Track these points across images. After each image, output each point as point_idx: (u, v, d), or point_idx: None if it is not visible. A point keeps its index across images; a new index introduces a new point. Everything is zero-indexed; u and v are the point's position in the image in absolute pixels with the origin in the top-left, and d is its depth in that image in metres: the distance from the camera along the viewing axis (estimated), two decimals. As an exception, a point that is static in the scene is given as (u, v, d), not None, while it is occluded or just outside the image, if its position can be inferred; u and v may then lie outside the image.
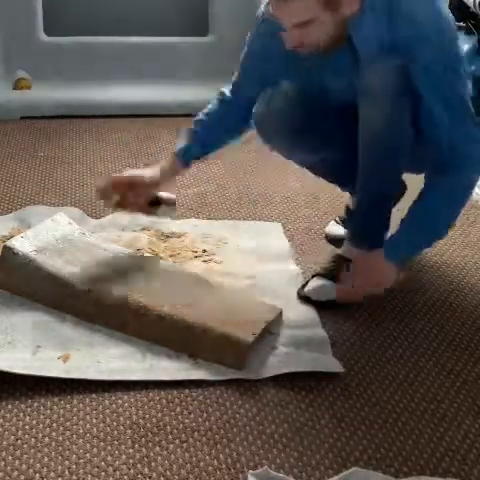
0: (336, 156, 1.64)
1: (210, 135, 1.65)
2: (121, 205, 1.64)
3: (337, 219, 1.87)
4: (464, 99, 1.44)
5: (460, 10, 2.30)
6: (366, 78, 1.43)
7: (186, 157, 1.65)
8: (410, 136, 1.48)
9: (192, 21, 3.14)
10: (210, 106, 1.67)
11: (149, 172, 1.63)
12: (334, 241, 1.81)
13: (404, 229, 1.49)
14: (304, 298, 1.58)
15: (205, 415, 1.23)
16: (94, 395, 1.27)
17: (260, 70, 1.60)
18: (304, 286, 1.60)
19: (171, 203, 1.68)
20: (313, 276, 1.61)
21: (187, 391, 1.29)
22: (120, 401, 1.26)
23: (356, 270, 1.54)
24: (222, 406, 1.25)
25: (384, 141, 1.49)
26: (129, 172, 1.67)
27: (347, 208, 1.80)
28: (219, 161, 2.29)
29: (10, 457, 1.13)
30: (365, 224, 1.59)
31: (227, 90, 1.66)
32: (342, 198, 2.09)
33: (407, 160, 1.53)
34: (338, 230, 1.83)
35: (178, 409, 1.24)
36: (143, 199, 1.63)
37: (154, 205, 1.65)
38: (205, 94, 2.91)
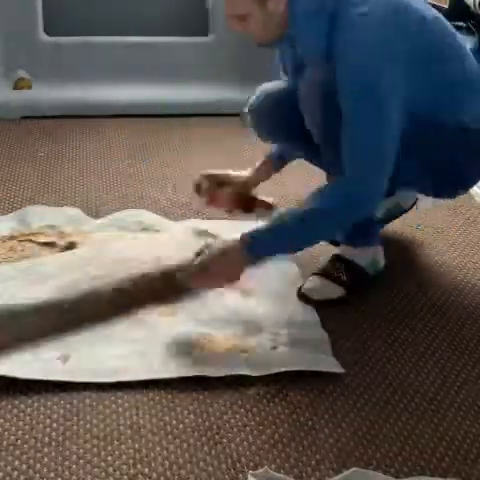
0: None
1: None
2: (212, 200, 1.75)
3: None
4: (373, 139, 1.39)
5: (460, 10, 2.30)
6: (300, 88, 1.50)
7: (276, 164, 1.76)
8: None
9: (192, 21, 3.14)
10: None
11: (242, 172, 1.75)
12: (333, 240, 1.81)
13: (267, 229, 1.44)
14: (303, 297, 1.58)
15: (205, 415, 1.23)
16: (94, 395, 1.27)
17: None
18: (303, 285, 1.60)
19: (268, 206, 1.77)
20: (312, 275, 1.62)
21: (187, 391, 1.29)
22: (120, 401, 1.26)
23: (212, 257, 1.45)
24: (222, 406, 1.25)
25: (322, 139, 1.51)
26: (223, 171, 1.77)
27: None
28: (219, 161, 2.29)
29: (10, 457, 1.13)
30: None
31: None
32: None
33: None
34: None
35: (178, 409, 1.24)
36: (234, 196, 1.74)
37: (250, 206, 1.76)
38: (205, 94, 2.96)
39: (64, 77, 2.99)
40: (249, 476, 1.09)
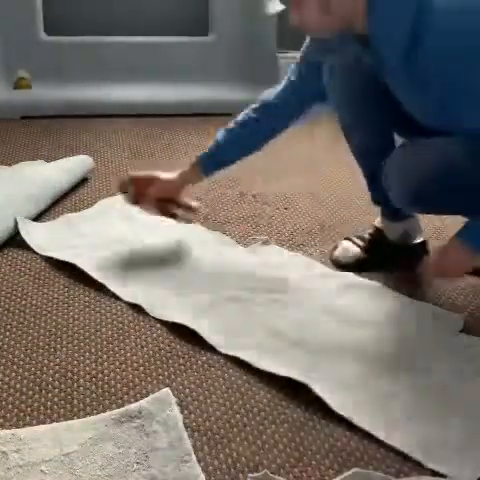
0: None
1: (229, 151, 1.69)
2: (136, 199, 1.72)
3: (354, 239, 1.76)
4: None
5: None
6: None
7: (204, 167, 1.69)
8: None
9: (192, 21, 3.14)
10: (247, 115, 1.66)
11: (168, 174, 1.69)
12: (345, 267, 1.71)
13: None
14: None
15: (205, 415, 1.23)
16: (94, 395, 1.27)
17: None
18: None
19: (189, 209, 1.74)
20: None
21: (187, 391, 1.29)
22: (120, 401, 1.26)
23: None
24: (222, 406, 1.25)
25: None
26: (149, 171, 1.73)
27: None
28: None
29: (10, 457, 1.13)
30: None
31: (271, 97, 1.64)
32: (342, 196, 2.09)
33: None
34: (348, 253, 1.74)
35: (178, 409, 1.24)
36: (157, 196, 1.69)
37: (171, 208, 1.73)
38: (205, 94, 2.96)
39: (64, 77, 2.99)
40: (248, 479, 1.09)
